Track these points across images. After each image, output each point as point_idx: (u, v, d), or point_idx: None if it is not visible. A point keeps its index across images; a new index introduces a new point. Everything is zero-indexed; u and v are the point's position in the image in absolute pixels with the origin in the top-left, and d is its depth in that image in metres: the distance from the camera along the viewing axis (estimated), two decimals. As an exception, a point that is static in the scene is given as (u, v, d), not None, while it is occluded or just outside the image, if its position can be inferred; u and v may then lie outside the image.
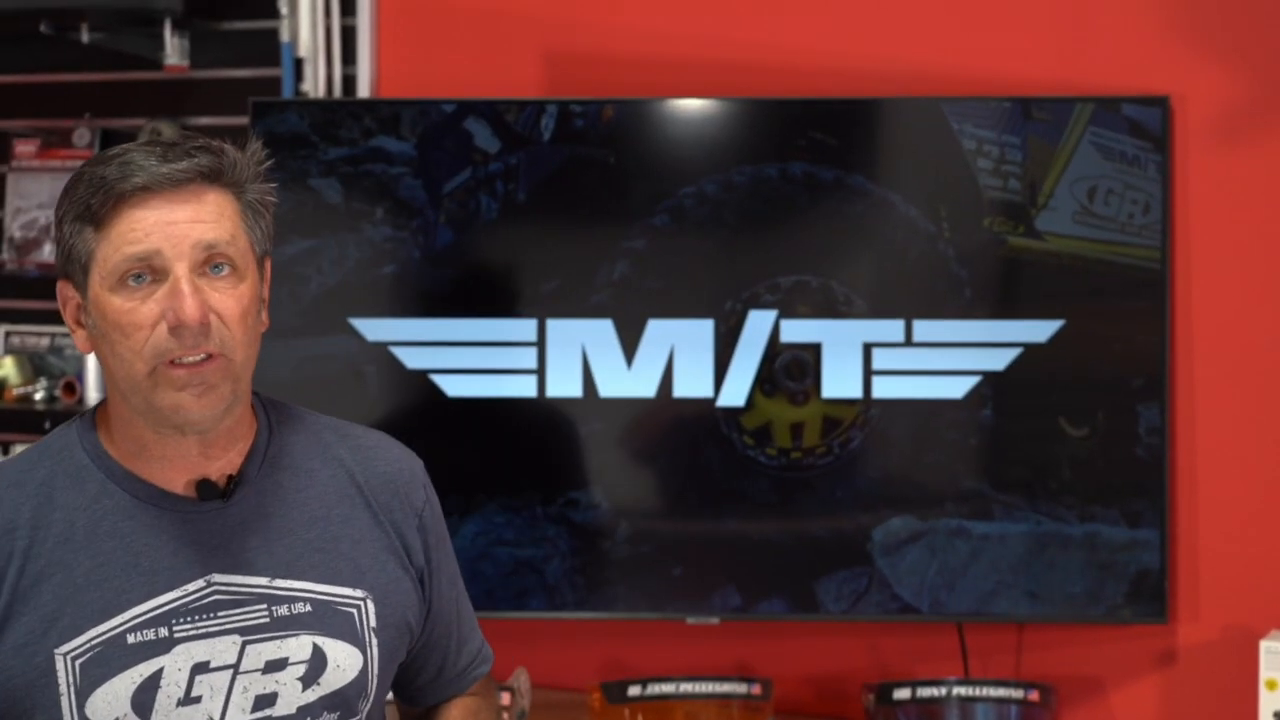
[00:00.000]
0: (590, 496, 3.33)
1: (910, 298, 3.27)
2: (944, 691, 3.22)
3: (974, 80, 3.33)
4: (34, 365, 3.76)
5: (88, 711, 1.89)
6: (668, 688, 3.29)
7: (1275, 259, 3.26)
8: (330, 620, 2.00)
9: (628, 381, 3.31)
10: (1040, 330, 3.25)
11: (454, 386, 3.33)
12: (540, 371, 3.32)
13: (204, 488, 1.97)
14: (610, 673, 3.46)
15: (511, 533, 3.32)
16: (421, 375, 3.33)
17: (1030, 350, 3.25)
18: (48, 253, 3.81)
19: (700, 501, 3.35)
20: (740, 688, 3.29)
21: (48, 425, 3.63)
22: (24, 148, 3.87)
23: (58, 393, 3.66)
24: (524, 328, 3.32)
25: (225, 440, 1.99)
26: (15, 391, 3.69)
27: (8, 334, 3.87)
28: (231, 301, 1.91)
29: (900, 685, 3.24)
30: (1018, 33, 3.34)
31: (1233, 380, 3.28)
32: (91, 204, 1.89)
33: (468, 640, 2.21)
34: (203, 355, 1.89)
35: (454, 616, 2.18)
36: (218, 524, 1.97)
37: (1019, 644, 3.40)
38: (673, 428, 3.34)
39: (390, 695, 2.17)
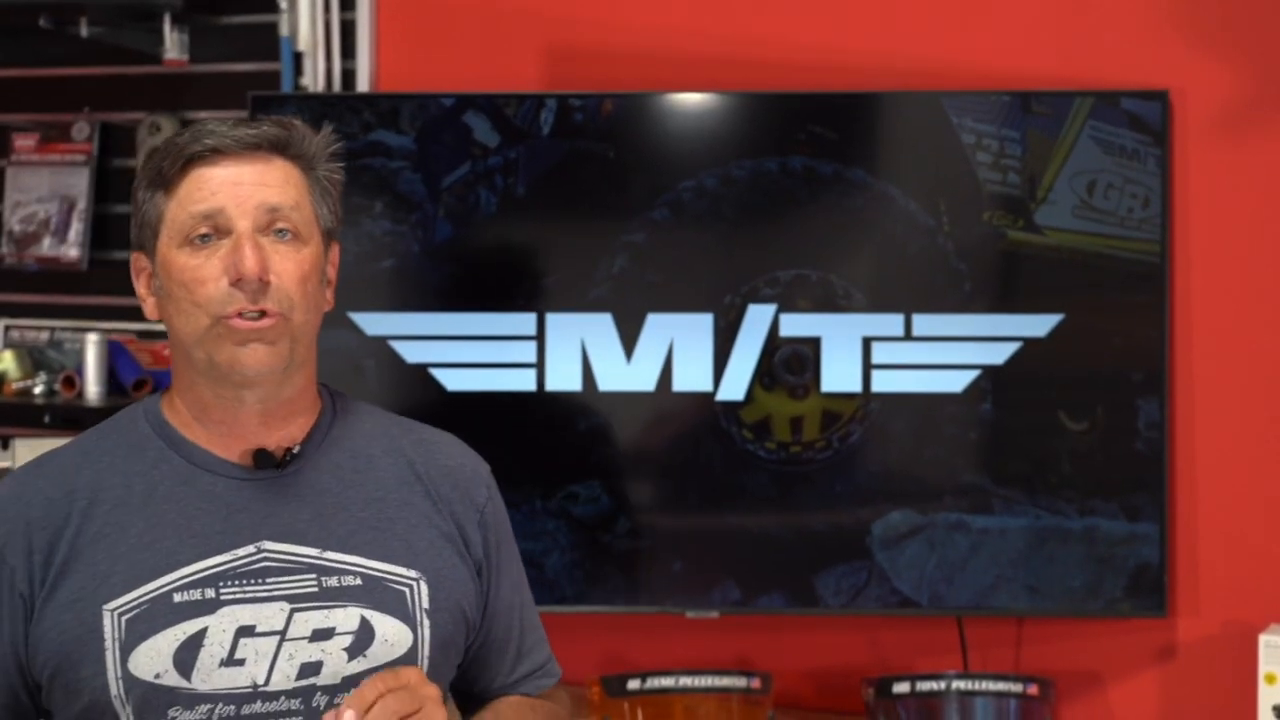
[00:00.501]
0: (590, 490, 3.33)
1: (910, 292, 3.27)
2: (943, 685, 3.23)
3: (973, 74, 3.33)
4: (33, 359, 3.76)
5: (130, 666, 1.92)
6: (667, 681, 3.29)
7: (1274, 253, 3.26)
8: (380, 595, 2.00)
9: (627, 375, 3.31)
10: (1040, 324, 3.25)
11: (453, 381, 3.34)
12: (540, 365, 3.32)
13: (260, 457, 2.01)
14: (609, 666, 3.46)
15: (511, 526, 3.31)
16: (421, 369, 3.33)
17: (1030, 344, 3.25)
18: (47, 246, 3.81)
19: (700, 495, 3.35)
20: (740, 681, 3.30)
21: (47, 419, 3.63)
22: (23, 142, 3.87)
23: (57, 387, 3.66)
24: (523, 322, 3.32)
25: (285, 411, 2.02)
26: (14, 385, 3.69)
27: (7, 328, 3.88)
28: (292, 264, 1.96)
29: (900, 679, 3.24)
30: (1017, 26, 3.34)
31: (1232, 374, 3.28)
32: (163, 167, 1.97)
33: (531, 651, 2.19)
34: (260, 312, 1.94)
35: (515, 623, 2.16)
36: (272, 493, 2.01)
37: (1018, 638, 3.40)
38: (672, 422, 3.34)
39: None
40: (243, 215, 1.95)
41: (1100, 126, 3.23)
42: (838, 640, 3.48)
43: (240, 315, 1.94)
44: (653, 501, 3.38)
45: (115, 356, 3.64)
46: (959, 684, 3.23)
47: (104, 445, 2.04)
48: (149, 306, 2.03)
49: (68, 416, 3.65)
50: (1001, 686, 3.24)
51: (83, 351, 3.62)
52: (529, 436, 3.36)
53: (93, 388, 3.60)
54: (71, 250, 3.80)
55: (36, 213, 3.84)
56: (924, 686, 3.23)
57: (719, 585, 3.33)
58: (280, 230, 1.96)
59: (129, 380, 3.63)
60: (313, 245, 2.00)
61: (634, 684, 3.28)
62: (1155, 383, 3.23)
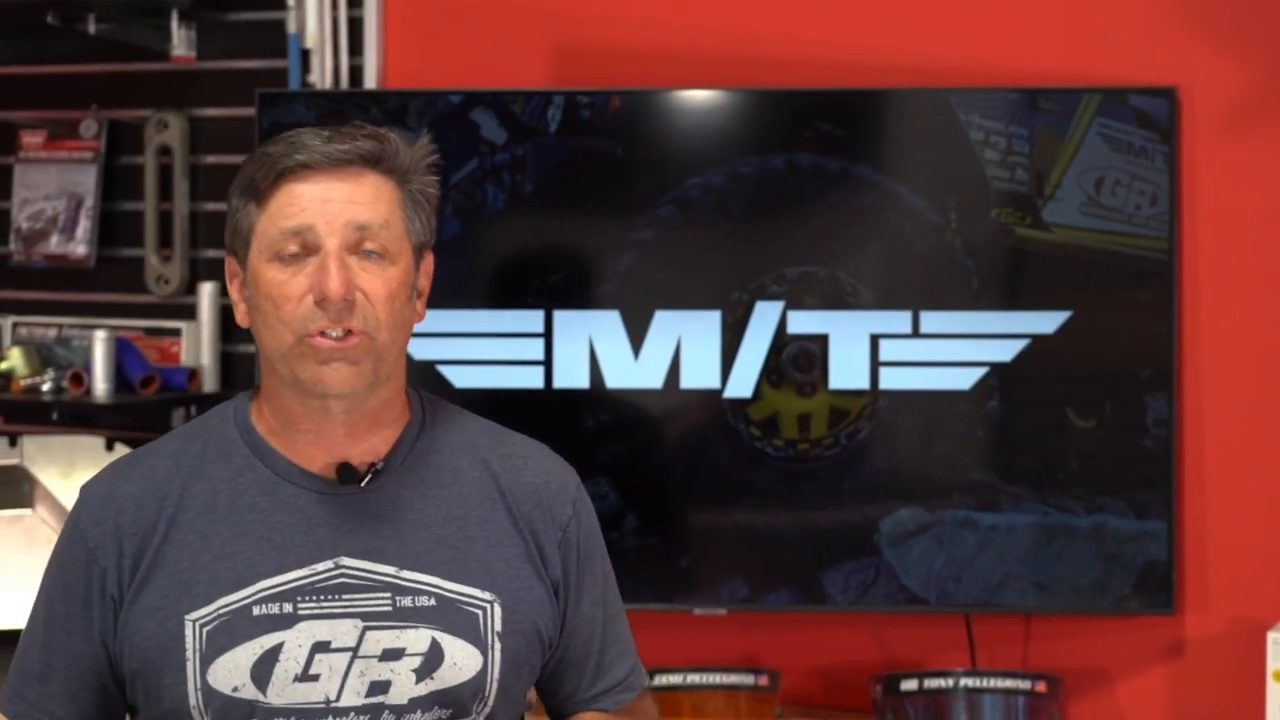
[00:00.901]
0: (597, 488, 3.33)
1: (917, 289, 3.27)
2: (951, 682, 3.23)
3: (981, 71, 3.33)
4: (41, 356, 3.76)
5: (209, 678, 1.94)
6: (675, 679, 3.29)
7: (1283, 250, 3.26)
8: (453, 617, 2.01)
9: (635, 373, 3.31)
10: (1047, 321, 3.24)
11: (461, 378, 3.34)
12: (547, 363, 3.32)
13: (344, 471, 2.02)
14: (617, 664, 3.46)
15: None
16: (429, 366, 3.33)
17: (1037, 341, 3.25)
18: (54, 244, 3.82)
19: (707, 493, 3.35)
20: (747, 679, 3.30)
21: (55, 416, 3.63)
22: (31, 139, 3.87)
23: (65, 384, 3.66)
24: (531, 319, 3.32)
25: (370, 423, 2.03)
26: (23, 383, 3.69)
27: (15, 325, 3.88)
28: (379, 283, 1.97)
29: (907, 676, 3.24)
30: (1025, 23, 3.34)
31: (1240, 371, 3.28)
32: (256, 178, 1.97)
33: (613, 665, 2.17)
34: (344, 331, 1.94)
35: (596, 638, 2.15)
36: (353, 508, 2.01)
37: (1026, 635, 3.40)
38: (680, 419, 3.34)
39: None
40: (331, 234, 1.94)
41: (1108, 123, 3.22)
42: (846, 638, 3.47)
43: (323, 334, 1.94)
44: (660, 499, 3.38)
45: (123, 353, 3.64)
46: (967, 681, 3.23)
47: (192, 448, 2.05)
48: (240, 312, 2.04)
49: (76, 414, 3.65)
50: (1009, 684, 3.23)
51: (90, 349, 3.62)
52: (536, 433, 3.34)
53: (100, 385, 3.60)
54: (79, 247, 3.80)
55: (44, 210, 3.84)
56: (932, 684, 3.23)
57: (727, 582, 3.33)
58: (368, 251, 1.96)
59: (136, 377, 3.63)
60: (402, 263, 2.00)
61: (642, 681, 3.28)
62: (1163, 380, 3.23)
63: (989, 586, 3.27)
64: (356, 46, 3.64)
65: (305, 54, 3.64)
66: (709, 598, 3.34)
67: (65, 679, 2.01)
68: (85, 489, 2.05)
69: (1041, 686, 3.23)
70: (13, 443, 3.67)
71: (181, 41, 3.70)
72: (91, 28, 3.61)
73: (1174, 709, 3.34)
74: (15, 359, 3.72)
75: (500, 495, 2.08)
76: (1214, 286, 3.27)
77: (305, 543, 1.99)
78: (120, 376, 3.64)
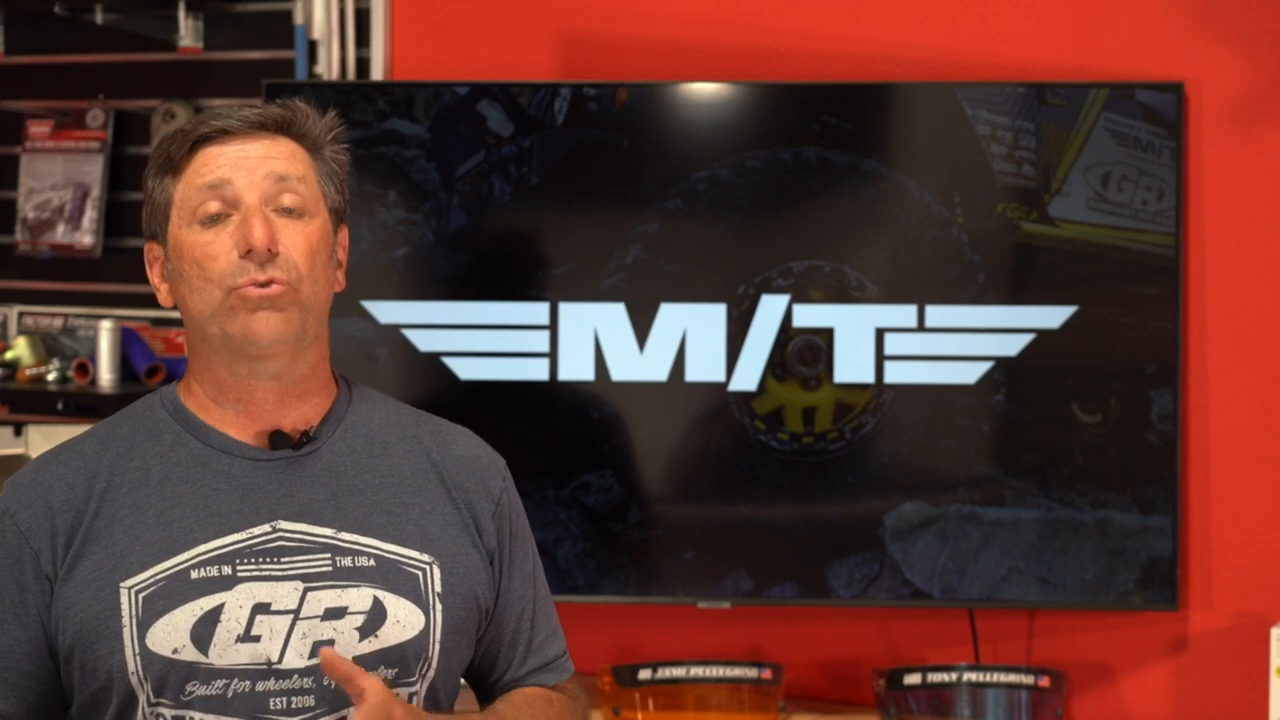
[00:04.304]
0: (602, 480, 3.33)
1: (923, 283, 3.27)
2: (955, 677, 3.23)
3: (988, 65, 3.33)
4: (47, 346, 3.77)
5: (148, 642, 1.95)
6: (678, 672, 3.29)
7: (1289, 246, 3.26)
8: (393, 577, 2.02)
9: (640, 365, 3.31)
10: (1053, 316, 3.24)
11: (466, 370, 3.34)
12: (552, 355, 3.32)
13: (276, 438, 2.04)
14: (621, 656, 3.46)
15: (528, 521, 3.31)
16: (434, 358, 3.33)
17: (1043, 336, 3.25)
18: (61, 233, 3.82)
19: (712, 486, 3.35)
20: (751, 672, 3.30)
21: (60, 406, 3.64)
22: (38, 129, 3.87)
23: (70, 374, 3.67)
24: (536, 311, 3.32)
25: (300, 390, 2.05)
26: (28, 372, 3.70)
27: (21, 315, 3.88)
28: (300, 237, 2.00)
29: (911, 670, 3.24)
30: (1032, 18, 3.33)
31: (1246, 366, 3.28)
32: (171, 151, 2.02)
33: (545, 645, 2.19)
34: (268, 280, 1.97)
35: (528, 615, 2.17)
36: (288, 474, 2.03)
37: (1030, 630, 3.40)
38: (685, 412, 3.34)
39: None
40: (250, 188, 1.99)
41: (1115, 118, 3.22)
42: (849, 631, 3.47)
43: (251, 285, 1.97)
44: (665, 492, 3.38)
45: (128, 344, 3.65)
46: (970, 676, 3.23)
47: (121, 431, 2.06)
48: (163, 294, 2.06)
49: (81, 404, 3.65)
50: (1013, 678, 3.24)
51: (96, 339, 3.63)
52: (541, 426, 3.36)
53: (106, 375, 3.61)
54: (85, 237, 3.81)
55: (51, 200, 3.84)
56: (935, 678, 3.23)
57: (731, 576, 3.33)
58: (287, 209, 2.00)
59: (142, 368, 3.64)
60: (320, 220, 2.03)
61: (645, 674, 3.28)
62: (1169, 375, 3.23)
63: (993, 581, 3.27)
64: (364, 38, 3.64)
65: (312, 45, 3.64)
66: (713, 591, 3.34)
67: (3, 670, 2.00)
68: (9, 482, 2.06)
69: (1045, 681, 3.24)
70: (18, 432, 3.68)
71: (189, 32, 3.70)
72: (99, 18, 3.62)
73: (1178, 704, 3.34)
74: (21, 348, 3.72)
75: (433, 466, 2.11)
76: (1220, 282, 3.27)
77: (242, 508, 2.00)
78: (125, 366, 3.64)
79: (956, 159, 3.26)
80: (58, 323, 3.85)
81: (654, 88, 3.33)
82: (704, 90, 3.33)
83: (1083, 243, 3.23)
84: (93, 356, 3.64)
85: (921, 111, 3.33)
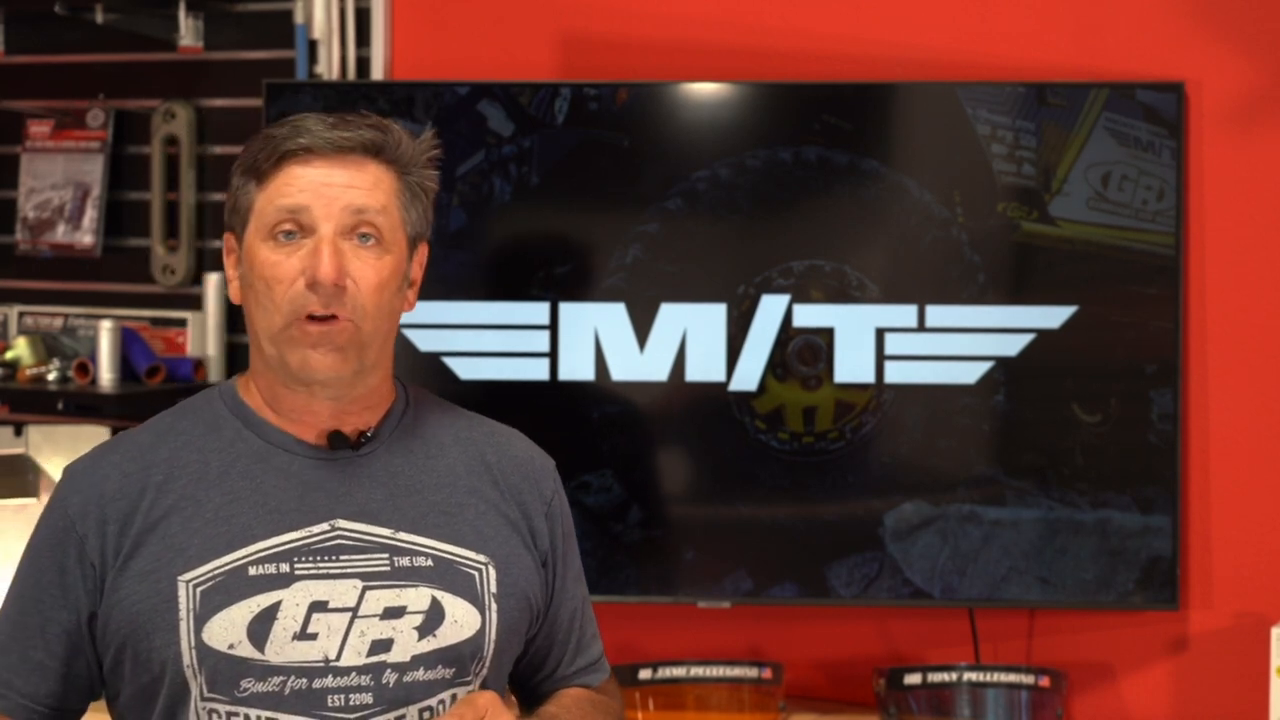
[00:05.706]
0: (602, 480, 3.33)
1: (923, 283, 3.27)
2: (955, 676, 3.23)
3: (988, 65, 3.33)
4: (47, 346, 3.76)
5: (204, 636, 1.95)
6: (679, 671, 3.29)
7: (1289, 246, 3.26)
8: (450, 577, 2.03)
9: (640, 365, 3.32)
10: (1053, 316, 3.24)
11: (466, 369, 3.34)
12: (553, 355, 3.32)
13: (335, 438, 2.04)
14: (621, 656, 3.46)
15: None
16: (434, 358, 3.33)
17: (1043, 336, 3.25)
18: (61, 233, 3.82)
19: (712, 486, 3.35)
20: (751, 672, 3.30)
21: (60, 406, 3.64)
22: (38, 128, 3.87)
23: (71, 373, 3.67)
24: (537, 311, 3.32)
25: (358, 407, 2.05)
26: (29, 372, 3.70)
27: (21, 314, 3.88)
28: (370, 271, 1.99)
29: (911, 670, 3.24)
30: (1033, 18, 3.34)
31: (1246, 366, 3.28)
32: (259, 158, 2.00)
33: (589, 645, 2.23)
34: (331, 315, 1.96)
35: (578, 615, 2.20)
36: (347, 473, 2.04)
37: (1030, 629, 3.40)
38: (685, 412, 3.34)
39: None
40: (327, 218, 1.97)
41: (1115, 118, 3.22)
42: (849, 631, 3.48)
43: (311, 318, 1.96)
44: (665, 491, 3.38)
45: (129, 344, 3.65)
46: (970, 675, 3.23)
47: (180, 425, 2.06)
48: (234, 288, 2.06)
49: (81, 404, 3.65)
50: (1013, 678, 3.24)
51: (96, 338, 3.63)
52: (541, 425, 3.31)
53: (106, 375, 3.61)
54: (86, 237, 3.80)
55: (51, 199, 3.84)
56: (935, 678, 3.23)
57: (731, 575, 3.33)
58: (364, 235, 1.98)
59: (142, 368, 3.64)
60: (395, 252, 2.02)
61: (645, 674, 3.28)
62: (1169, 375, 3.23)
63: (993, 581, 3.27)
64: (364, 37, 3.64)
65: (313, 45, 3.64)
66: (713, 591, 3.34)
67: (29, 650, 2.00)
68: (68, 468, 2.06)
69: (1045, 681, 3.24)
70: (18, 432, 3.67)
71: (189, 32, 3.70)
72: (99, 17, 3.62)
73: (1178, 704, 3.34)
74: (21, 348, 3.72)
75: (486, 468, 2.12)
76: (1220, 282, 3.27)
77: (300, 506, 2.01)
78: (126, 366, 3.64)
79: (957, 159, 3.27)
80: (58, 322, 3.85)
81: (654, 87, 3.33)
82: (704, 90, 3.33)
83: (1083, 242, 3.23)
84: (93, 356, 3.64)
85: (922, 111, 3.33)
